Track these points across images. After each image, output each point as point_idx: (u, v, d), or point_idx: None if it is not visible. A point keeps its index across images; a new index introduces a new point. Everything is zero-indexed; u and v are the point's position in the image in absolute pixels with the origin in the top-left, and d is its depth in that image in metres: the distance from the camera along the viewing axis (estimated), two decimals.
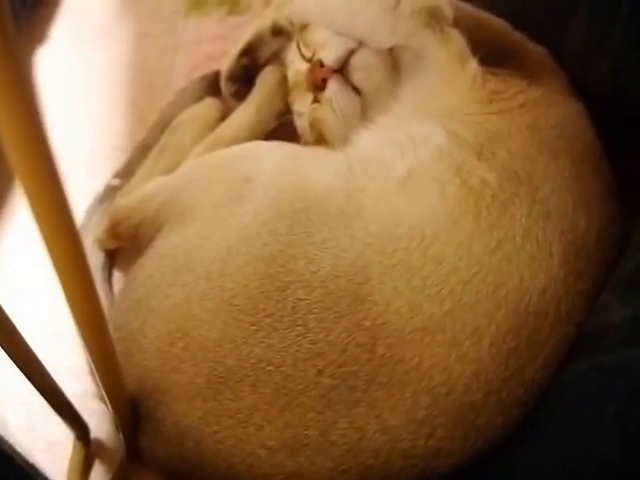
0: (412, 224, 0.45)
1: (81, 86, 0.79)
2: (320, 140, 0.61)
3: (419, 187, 0.48)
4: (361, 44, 0.58)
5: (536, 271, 0.44)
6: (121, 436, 0.49)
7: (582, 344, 0.44)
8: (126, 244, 0.62)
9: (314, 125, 0.62)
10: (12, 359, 0.40)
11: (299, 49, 0.64)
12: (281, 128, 0.68)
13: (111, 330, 0.36)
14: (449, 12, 0.54)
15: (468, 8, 0.57)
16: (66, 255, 0.28)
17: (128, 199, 0.60)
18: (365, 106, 0.58)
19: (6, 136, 0.22)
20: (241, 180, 0.51)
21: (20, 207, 0.70)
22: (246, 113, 0.68)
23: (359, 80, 0.58)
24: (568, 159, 0.49)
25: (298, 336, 0.43)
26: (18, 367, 0.41)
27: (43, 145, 0.23)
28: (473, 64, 0.53)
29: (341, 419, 0.42)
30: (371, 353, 0.42)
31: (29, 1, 0.81)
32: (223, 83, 0.72)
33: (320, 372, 0.42)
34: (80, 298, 0.31)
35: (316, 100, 0.61)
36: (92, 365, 0.37)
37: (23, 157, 0.23)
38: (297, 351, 0.42)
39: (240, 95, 0.71)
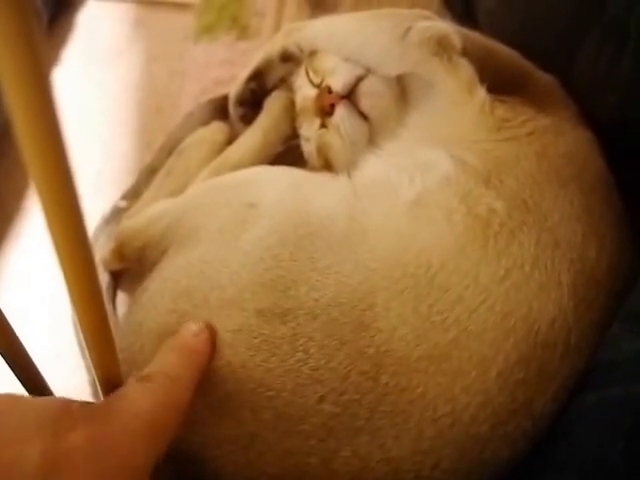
0: (419, 251, 0.45)
1: (90, 108, 0.80)
2: (327, 165, 0.61)
3: (426, 214, 0.47)
4: (369, 71, 0.58)
5: (545, 301, 0.43)
6: None
7: (591, 377, 0.43)
8: (131, 266, 0.62)
9: (321, 150, 0.62)
10: (15, 374, 0.39)
11: (307, 75, 0.64)
12: (288, 152, 0.69)
13: None
14: (458, 41, 0.54)
15: (477, 37, 0.57)
16: (79, 269, 0.28)
17: (134, 221, 0.60)
18: (372, 132, 0.58)
19: (24, 141, 0.22)
20: (246, 205, 0.50)
21: (24, 231, 0.71)
22: (253, 137, 0.69)
23: (367, 106, 0.58)
24: (577, 188, 0.49)
25: (298, 362, 0.41)
26: (23, 385, 0.40)
27: (62, 156, 0.23)
28: (481, 92, 0.53)
29: (344, 447, 0.41)
30: (374, 381, 0.41)
31: (44, 24, 0.82)
32: (231, 107, 0.72)
33: (321, 399, 0.41)
34: (90, 313, 0.31)
35: (323, 125, 0.61)
36: (98, 387, 0.37)
37: (40, 164, 0.23)
38: (297, 377, 0.41)
39: (247, 119, 0.71)
